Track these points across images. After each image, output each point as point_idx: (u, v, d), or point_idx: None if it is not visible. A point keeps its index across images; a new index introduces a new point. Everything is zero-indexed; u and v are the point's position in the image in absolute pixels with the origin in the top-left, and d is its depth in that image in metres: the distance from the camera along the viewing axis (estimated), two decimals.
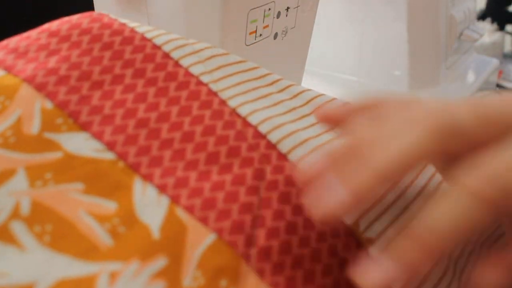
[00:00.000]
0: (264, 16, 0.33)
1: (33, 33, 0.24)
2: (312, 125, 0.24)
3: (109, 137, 0.20)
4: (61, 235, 0.17)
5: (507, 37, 0.90)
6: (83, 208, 0.18)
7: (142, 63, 0.23)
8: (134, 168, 0.19)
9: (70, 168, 0.19)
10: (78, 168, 0.19)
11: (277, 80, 0.26)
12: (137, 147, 0.20)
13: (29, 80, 0.21)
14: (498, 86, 0.76)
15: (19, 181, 0.19)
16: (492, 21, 0.90)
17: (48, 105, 0.20)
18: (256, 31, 0.33)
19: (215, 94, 0.22)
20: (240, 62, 0.25)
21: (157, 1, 0.32)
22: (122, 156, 0.20)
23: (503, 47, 0.89)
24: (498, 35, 0.87)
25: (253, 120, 0.22)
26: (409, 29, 0.57)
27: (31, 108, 0.20)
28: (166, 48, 0.23)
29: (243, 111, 0.22)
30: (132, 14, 0.33)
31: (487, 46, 0.85)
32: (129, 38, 0.23)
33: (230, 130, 0.21)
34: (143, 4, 0.32)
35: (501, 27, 0.89)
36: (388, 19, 0.58)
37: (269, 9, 0.33)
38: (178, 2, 0.31)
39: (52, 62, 0.22)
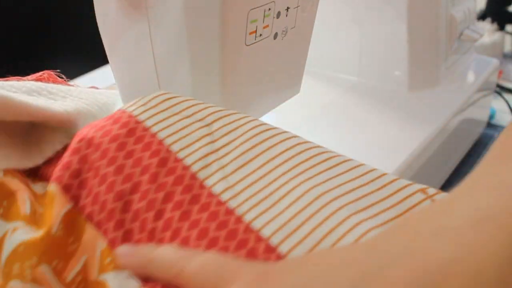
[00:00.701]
0: (264, 16, 0.33)
1: (88, 149, 0.27)
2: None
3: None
4: None
5: (507, 37, 0.90)
6: None
7: (173, 186, 0.25)
8: None
9: None
10: None
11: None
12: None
13: (90, 218, 0.24)
14: (498, 86, 0.76)
15: None
16: (492, 21, 0.90)
17: (104, 244, 0.24)
18: (256, 31, 0.33)
19: (231, 212, 0.24)
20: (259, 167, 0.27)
21: (157, 1, 0.32)
22: None
23: (503, 47, 0.89)
24: (498, 35, 0.87)
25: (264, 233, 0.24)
26: (409, 29, 0.57)
27: (94, 252, 0.24)
28: (194, 168, 0.26)
29: (256, 224, 0.24)
30: (132, 14, 0.33)
31: (487, 46, 0.84)
32: (173, 168, 0.26)
33: (243, 248, 0.23)
34: (143, 4, 0.32)
35: (501, 27, 0.89)
36: (388, 19, 0.58)
37: (269, 9, 0.33)
38: (178, 2, 0.31)
39: (103, 192, 0.25)
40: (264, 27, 0.33)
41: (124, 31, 0.35)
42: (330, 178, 0.26)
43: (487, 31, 0.86)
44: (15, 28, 0.83)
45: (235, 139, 0.27)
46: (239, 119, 0.28)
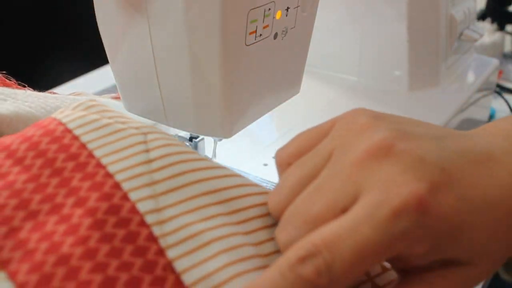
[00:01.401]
0: (264, 16, 0.33)
1: (4, 160, 0.22)
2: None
3: (22, 277, 0.18)
4: None
5: (507, 37, 0.90)
6: None
7: (87, 192, 0.21)
8: None
9: None
10: None
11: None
12: None
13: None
14: (498, 86, 0.76)
15: None
16: (492, 21, 0.90)
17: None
18: (256, 31, 0.33)
19: (155, 240, 0.20)
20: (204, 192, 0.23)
21: (157, 1, 0.32)
22: None
23: (503, 47, 0.89)
24: (498, 35, 0.87)
25: (185, 279, 0.20)
26: (409, 29, 0.57)
27: None
28: (118, 177, 0.22)
29: (178, 266, 0.20)
30: (132, 14, 0.33)
31: (487, 46, 0.84)
32: (82, 164, 0.22)
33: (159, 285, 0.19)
34: (143, 4, 0.32)
35: (501, 27, 0.89)
36: (388, 19, 0.58)
37: (269, 9, 0.33)
38: (178, 2, 0.31)
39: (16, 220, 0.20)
40: (264, 27, 0.33)
41: (124, 31, 0.35)
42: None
43: (487, 31, 0.86)
44: (15, 28, 0.83)
45: (171, 154, 0.23)
46: (173, 142, 0.24)
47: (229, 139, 0.37)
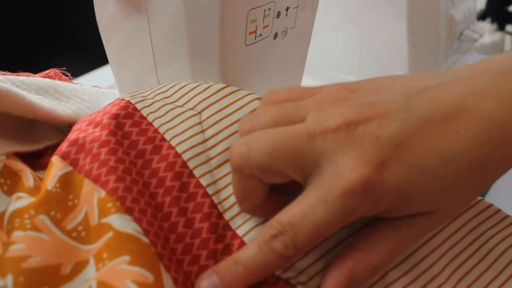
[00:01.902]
0: (264, 16, 0.33)
1: (88, 126, 0.29)
2: None
3: (145, 225, 0.24)
4: None
5: (507, 37, 0.90)
6: (129, 277, 0.22)
7: (164, 172, 0.27)
8: (160, 257, 0.24)
9: (119, 244, 0.23)
10: (125, 244, 0.23)
11: None
12: (162, 241, 0.25)
13: (88, 175, 0.26)
14: None
15: (91, 268, 0.23)
16: (492, 21, 0.90)
17: (102, 193, 0.25)
18: (256, 31, 0.33)
19: (215, 206, 0.27)
20: None
21: (157, 1, 0.32)
22: (153, 244, 0.24)
23: (503, 47, 0.89)
24: (498, 35, 0.87)
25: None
26: (409, 29, 0.57)
27: (92, 202, 0.25)
28: (185, 157, 0.28)
29: (232, 224, 0.27)
30: (132, 14, 0.33)
31: (487, 46, 0.85)
32: (158, 147, 0.28)
33: (218, 244, 0.26)
34: (143, 4, 0.32)
35: (501, 27, 0.89)
36: (388, 19, 0.58)
37: (269, 9, 0.33)
38: (178, 2, 0.31)
39: (103, 154, 0.27)
40: (264, 27, 0.33)
41: (124, 30, 0.35)
42: None
43: (487, 31, 0.86)
44: (16, 28, 0.83)
45: (221, 130, 0.29)
46: (227, 106, 0.30)
47: None
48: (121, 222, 0.24)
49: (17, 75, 0.33)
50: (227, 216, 0.27)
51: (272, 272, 0.25)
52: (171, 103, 0.30)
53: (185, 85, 0.31)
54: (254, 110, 0.29)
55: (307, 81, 0.44)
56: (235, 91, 0.31)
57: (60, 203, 0.25)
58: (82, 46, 0.84)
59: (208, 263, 0.25)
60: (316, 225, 0.23)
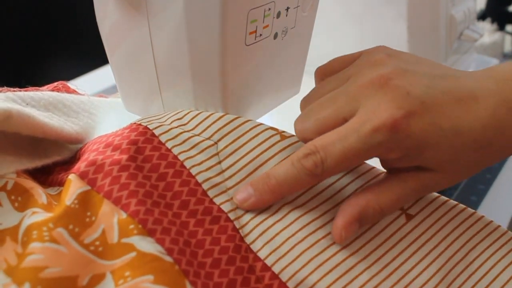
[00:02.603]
0: (264, 16, 0.33)
1: (106, 148, 0.30)
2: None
3: (168, 245, 0.25)
4: None
5: (507, 37, 0.90)
6: None
7: (187, 196, 0.28)
8: (185, 274, 0.25)
9: (143, 264, 0.24)
10: (148, 263, 0.24)
11: None
12: (187, 257, 0.26)
13: (108, 196, 0.27)
14: None
15: (108, 283, 0.24)
16: (492, 21, 0.90)
17: (123, 215, 0.26)
18: (256, 31, 0.33)
19: (237, 230, 0.28)
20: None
21: (157, 1, 0.32)
22: (177, 262, 0.25)
23: (503, 47, 0.89)
24: (498, 35, 0.87)
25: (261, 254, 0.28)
26: (409, 29, 0.57)
27: (111, 221, 0.26)
28: (205, 186, 0.29)
29: (255, 246, 0.28)
30: (132, 14, 0.33)
31: (487, 46, 0.84)
32: (179, 172, 0.29)
33: (243, 263, 0.27)
34: (143, 4, 0.32)
35: (501, 27, 0.89)
36: (388, 19, 0.58)
37: (269, 9, 0.33)
38: (178, 2, 0.31)
39: (123, 178, 0.28)
40: (264, 27, 0.33)
41: (124, 30, 0.35)
42: (317, 206, 0.30)
43: (487, 31, 0.86)
44: (15, 28, 0.83)
45: (237, 160, 0.30)
46: (242, 135, 0.31)
47: None
48: (144, 244, 0.25)
49: (26, 90, 0.34)
50: (248, 240, 0.28)
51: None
52: (188, 131, 0.31)
53: (200, 113, 0.32)
54: (269, 138, 0.31)
55: (307, 81, 0.44)
56: (249, 120, 0.32)
57: (78, 218, 0.26)
58: (82, 46, 0.84)
59: (237, 278, 0.26)
60: (345, 151, 0.26)
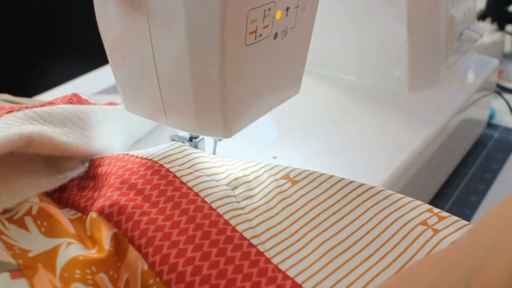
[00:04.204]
0: (264, 16, 0.33)
1: (129, 191, 0.31)
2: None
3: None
4: None
5: (507, 37, 0.90)
6: None
7: (209, 227, 0.29)
8: None
9: None
10: None
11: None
12: None
13: (131, 242, 0.28)
14: (498, 86, 0.76)
15: None
16: (492, 21, 0.90)
17: (145, 266, 0.27)
18: (256, 31, 0.33)
19: (262, 253, 0.28)
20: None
21: (157, 1, 0.32)
22: None
23: (503, 47, 0.89)
24: (498, 35, 0.87)
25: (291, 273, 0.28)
26: (409, 29, 0.57)
27: (136, 272, 0.27)
28: (226, 216, 0.30)
29: (283, 266, 0.28)
30: (132, 14, 0.33)
31: (487, 46, 0.84)
32: (200, 207, 0.30)
33: (271, 285, 0.27)
34: (143, 4, 0.32)
35: (501, 27, 0.89)
36: (388, 19, 0.58)
37: (269, 9, 0.33)
38: (178, 2, 0.31)
39: (143, 223, 0.29)
40: (264, 27, 0.33)
41: (124, 31, 0.35)
42: (339, 231, 0.31)
43: (487, 31, 0.86)
44: (15, 28, 0.83)
45: (256, 202, 0.32)
46: (260, 184, 0.33)
47: (229, 139, 0.37)
48: None
49: (42, 105, 0.35)
50: (275, 261, 0.28)
51: None
52: (207, 175, 0.33)
53: (218, 160, 0.35)
54: (284, 177, 0.33)
55: (307, 81, 0.44)
56: (266, 165, 0.34)
57: (115, 263, 0.27)
58: (82, 46, 0.84)
59: None
60: None
